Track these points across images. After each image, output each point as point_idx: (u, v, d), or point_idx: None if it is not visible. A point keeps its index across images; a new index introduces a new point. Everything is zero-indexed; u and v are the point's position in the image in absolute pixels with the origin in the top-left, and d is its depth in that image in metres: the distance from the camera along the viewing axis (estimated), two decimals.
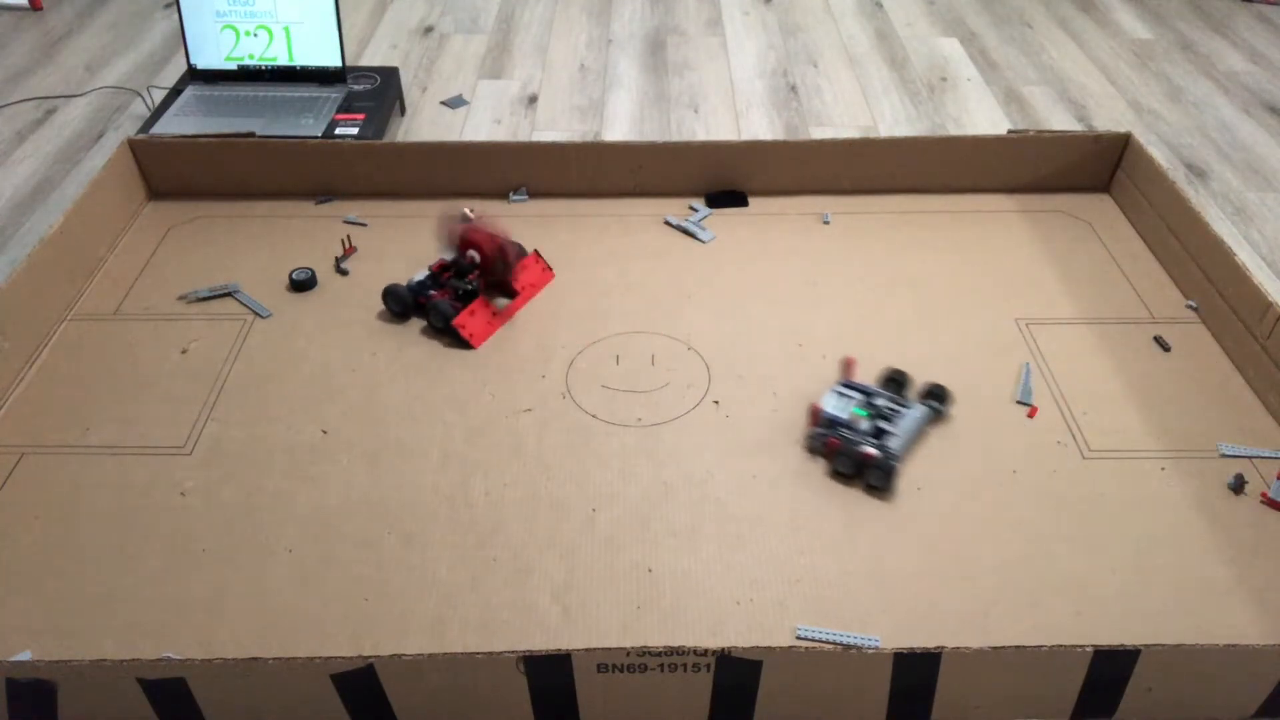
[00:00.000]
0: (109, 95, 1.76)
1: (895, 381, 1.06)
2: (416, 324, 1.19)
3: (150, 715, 0.77)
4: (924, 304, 1.22)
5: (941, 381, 1.10)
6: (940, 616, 0.86)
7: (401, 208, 1.38)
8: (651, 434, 1.04)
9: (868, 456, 0.97)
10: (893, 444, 0.98)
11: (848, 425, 1.00)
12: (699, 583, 0.89)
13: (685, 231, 1.34)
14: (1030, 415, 1.06)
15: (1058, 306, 1.22)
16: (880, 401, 1.03)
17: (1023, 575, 0.90)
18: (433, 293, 1.17)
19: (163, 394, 1.08)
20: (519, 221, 1.36)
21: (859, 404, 1.03)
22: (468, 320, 1.14)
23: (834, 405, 1.02)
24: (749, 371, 1.12)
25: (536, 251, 1.24)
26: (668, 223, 1.36)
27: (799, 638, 0.84)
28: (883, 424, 1.01)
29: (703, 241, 1.32)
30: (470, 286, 1.17)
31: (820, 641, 0.84)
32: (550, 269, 1.25)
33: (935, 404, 1.05)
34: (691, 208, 1.38)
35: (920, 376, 1.11)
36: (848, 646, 0.83)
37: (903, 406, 1.03)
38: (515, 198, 1.41)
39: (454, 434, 1.04)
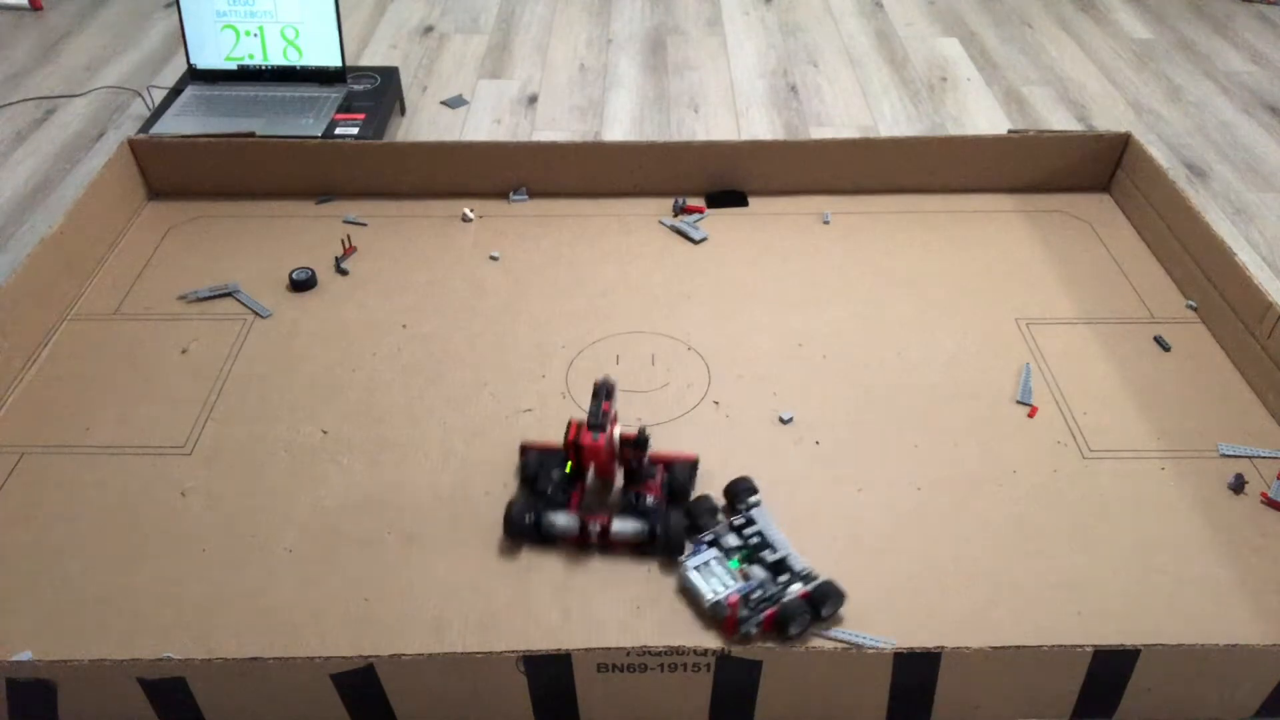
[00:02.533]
0: (109, 95, 1.76)
1: (698, 506, 0.93)
2: (416, 324, 1.18)
3: (150, 715, 0.77)
4: (924, 304, 1.22)
5: (941, 381, 1.10)
6: (940, 616, 0.86)
7: (401, 208, 1.38)
8: (652, 434, 1.04)
9: (806, 596, 0.84)
10: (798, 564, 0.87)
11: (750, 588, 0.86)
12: (699, 583, 0.89)
13: (678, 231, 1.34)
14: (1030, 415, 1.06)
15: (1058, 306, 1.22)
16: (733, 539, 0.91)
17: (1023, 575, 0.90)
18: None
19: (163, 394, 1.08)
20: (519, 221, 1.36)
21: (725, 558, 0.89)
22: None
23: (713, 584, 0.87)
24: (749, 371, 1.12)
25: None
26: (662, 224, 1.36)
27: (815, 635, 0.84)
28: (764, 554, 0.89)
29: (695, 240, 1.32)
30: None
31: (834, 640, 0.84)
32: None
33: (742, 500, 0.94)
34: (676, 202, 1.38)
35: (921, 376, 1.11)
36: (855, 646, 0.83)
37: (747, 520, 0.92)
38: (515, 198, 1.41)
39: (454, 434, 1.04)
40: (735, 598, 0.84)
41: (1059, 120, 1.72)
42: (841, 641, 0.84)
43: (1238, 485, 0.98)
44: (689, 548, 0.90)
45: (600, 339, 1.16)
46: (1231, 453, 1.02)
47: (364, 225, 1.35)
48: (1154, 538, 0.93)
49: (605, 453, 0.91)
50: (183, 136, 1.38)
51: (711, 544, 0.90)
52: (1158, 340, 1.17)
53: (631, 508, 0.92)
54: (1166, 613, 0.87)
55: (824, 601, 0.84)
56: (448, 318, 1.19)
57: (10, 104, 1.73)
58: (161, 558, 0.91)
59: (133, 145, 1.36)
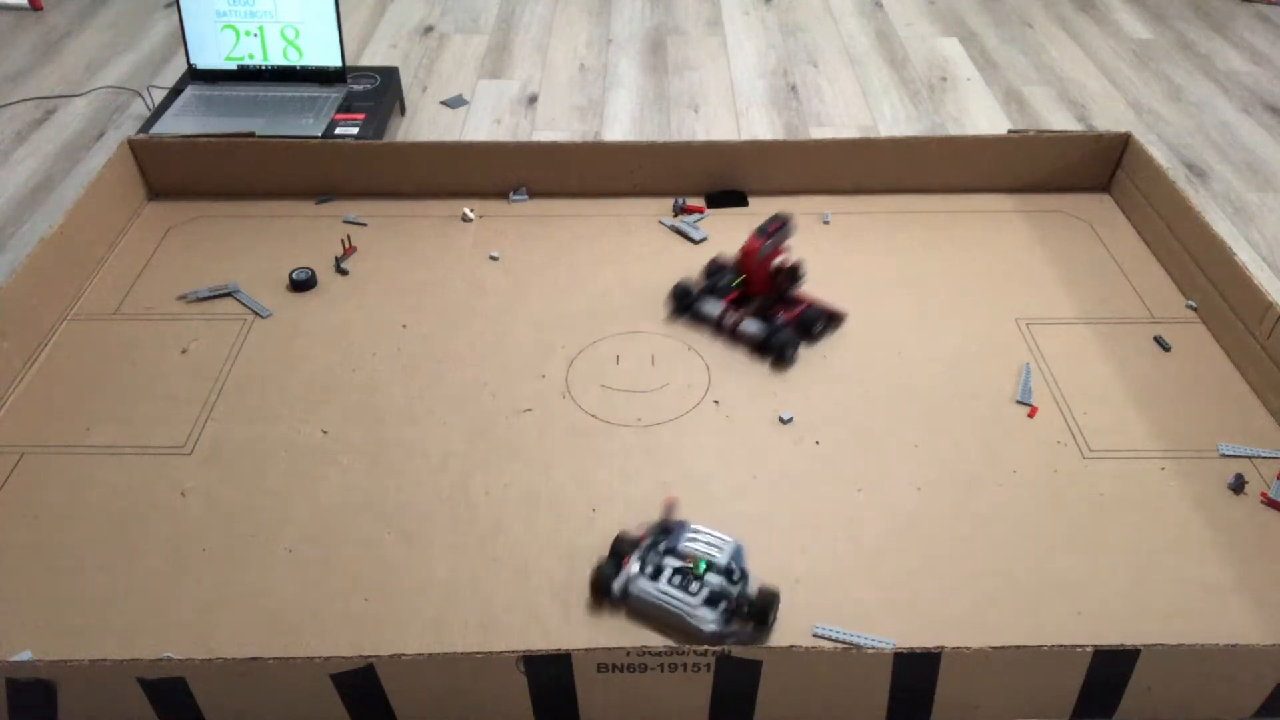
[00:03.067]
0: (109, 95, 1.76)
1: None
2: (416, 324, 1.19)
3: (150, 715, 0.77)
4: (924, 304, 1.22)
5: (941, 381, 1.10)
6: (940, 616, 0.86)
7: (401, 208, 1.38)
8: (651, 434, 1.04)
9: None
10: (724, 560, 0.87)
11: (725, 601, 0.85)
12: None
13: (678, 231, 1.34)
14: (1030, 415, 1.06)
15: (1058, 306, 1.22)
16: (671, 560, 0.88)
17: (1023, 575, 0.90)
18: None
19: (163, 394, 1.08)
20: (519, 221, 1.36)
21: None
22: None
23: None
24: (749, 371, 1.12)
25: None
26: (662, 224, 1.36)
27: (815, 634, 0.84)
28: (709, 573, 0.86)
29: (695, 240, 1.32)
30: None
31: (834, 640, 0.84)
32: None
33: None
34: (677, 202, 1.38)
35: (921, 376, 1.11)
36: (855, 646, 0.83)
37: (666, 547, 0.89)
38: (515, 197, 1.41)
39: (454, 434, 1.04)
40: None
41: (1059, 120, 1.72)
42: (841, 641, 0.84)
43: (1238, 485, 0.98)
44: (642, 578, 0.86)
45: (600, 339, 1.16)
46: (1231, 453, 1.02)
47: (364, 225, 1.35)
48: (1154, 538, 0.93)
49: (755, 257, 1.13)
50: (183, 136, 1.38)
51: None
52: (1158, 340, 1.17)
53: (763, 316, 1.14)
54: (1166, 613, 0.87)
55: (760, 613, 0.83)
56: (448, 318, 1.19)
57: (10, 104, 1.73)
58: (161, 558, 0.91)
59: (133, 145, 1.36)
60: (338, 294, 1.23)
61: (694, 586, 0.85)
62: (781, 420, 1.05)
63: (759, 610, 0.84)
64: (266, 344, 1.15)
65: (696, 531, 0.90)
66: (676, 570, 0.86)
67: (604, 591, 0.86)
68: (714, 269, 1.21)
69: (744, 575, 0.86)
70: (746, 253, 1.14)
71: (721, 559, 0.87)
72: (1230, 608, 0.87)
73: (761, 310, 1.15)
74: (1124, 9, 2.17)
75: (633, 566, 0.87)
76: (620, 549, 0.88)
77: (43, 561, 0.90)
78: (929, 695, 0.78)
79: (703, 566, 0.86)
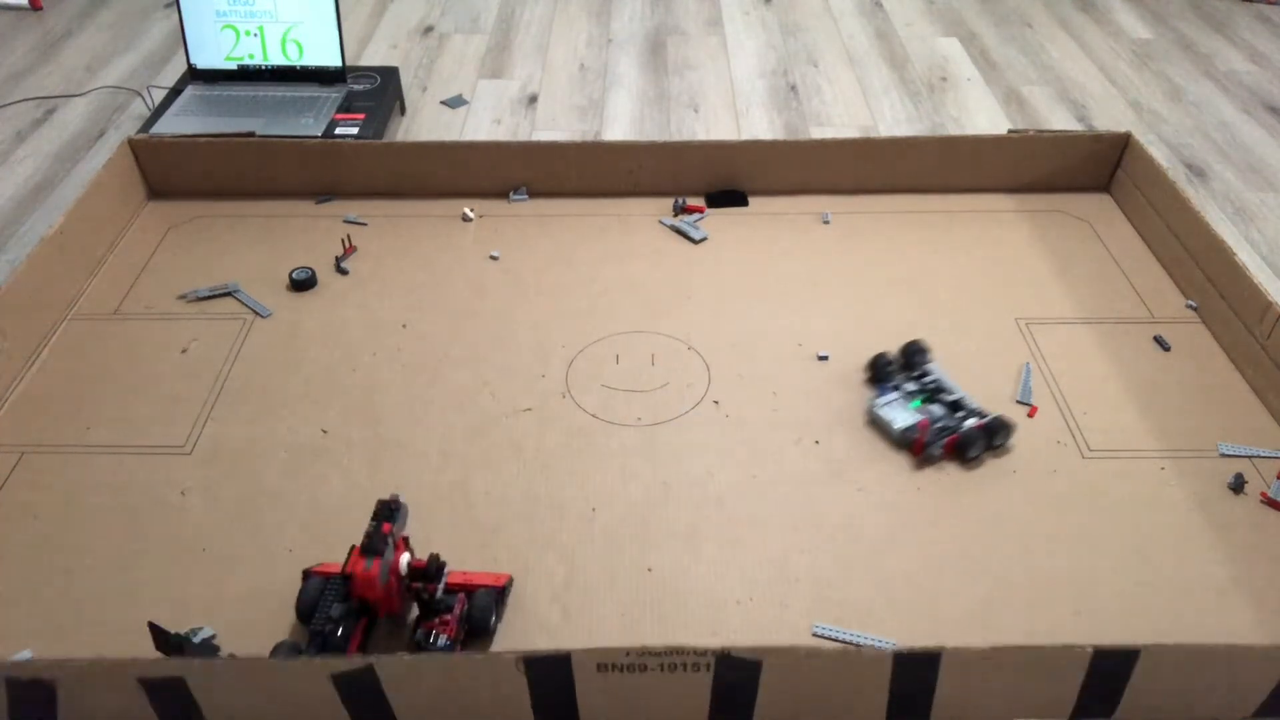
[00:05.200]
0: (109, 95, 1.76)
1: (885, 364, 1.09)
2: (416, 324, 1.19)
3: (150, 715, 0.77)
4: (924, 304, 1.22)
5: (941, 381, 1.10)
6: (940, 616, 0.86)
7: (401, 208, 1.38)
8: (651, 434, 1.04)
9: (981, 428, 1.00)
10: (972, 404, 1.03)
11: (935, 417, 1.02)
12: (699, 583, 0.89)
13: (678, 231, 1.34)
14: (1030, 415, 1.06)
15: (1058, 306, 1.22)
16: (911, 385, 1.07)
17: (1023, 575, 0.90)
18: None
19: (163, 394, 1.08)
20: (519, 221, 1.36)
21: (909, 399, 1.05)
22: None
23: (903, 416, 1.03)
24: (749, 371, 1.12)
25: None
26: (662, 224, 1.36)
27: (815, 634, 0.84)
28: (942, 396, 1.04)
29: (695, 240, 1.32)
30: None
31: (834, 640, 0.84)
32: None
33: (919, 358, 1.09)
34: (677, 202, 1.38)
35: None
36: (855, 646, 0.83)
37: (925, 372, 1.07)
38: (515, 197, 1.41)
39: (454, 434, 1.04)
40: (926, 422, 1.00)
41: (1059, 120, 1.72)
42: (841, 641, 0.84)
43: (1238, 485, 0.98)
44: (876, 390, 1.06)
45: (600, 339, 1.16)
46: (1231, 453, 1.02)
47: (364, 225, 1.35)
48: (1154, 538, 0.93)
49: (381, 587, 0.78)
50: (183, 136, 1.38)
51: (894, 389, 1.06)
52: (1158, 340, 1.17)
53: (420, 650, 0.79)
54: (1166, 613, 0.87)
55: (998, 432, 0.99)
56: (448, 318, 1.19)
57: (10, 104, 1.73)
58: (161, 558, 0.91)
59: (133, 145, 1.36)
60: (338, 294, 1.23)
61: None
62: (819, 358, 1.13)
63: (961, 445, 0.99)
64: (266, 344, 1.15)
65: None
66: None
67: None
68: (308, 601, 0.82)
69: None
70: (366, 584, 0.78)
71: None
72: (1230, 608, 0.87)
73: (414, 644, 0.80)
74: (1124, 9, 2.17)
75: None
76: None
77: (43, 561, 0.90)
78: (929, 695, 0.78)
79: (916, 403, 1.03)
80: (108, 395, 1.08)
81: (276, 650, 0.79)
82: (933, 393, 1.05)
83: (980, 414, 1.02)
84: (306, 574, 0.85)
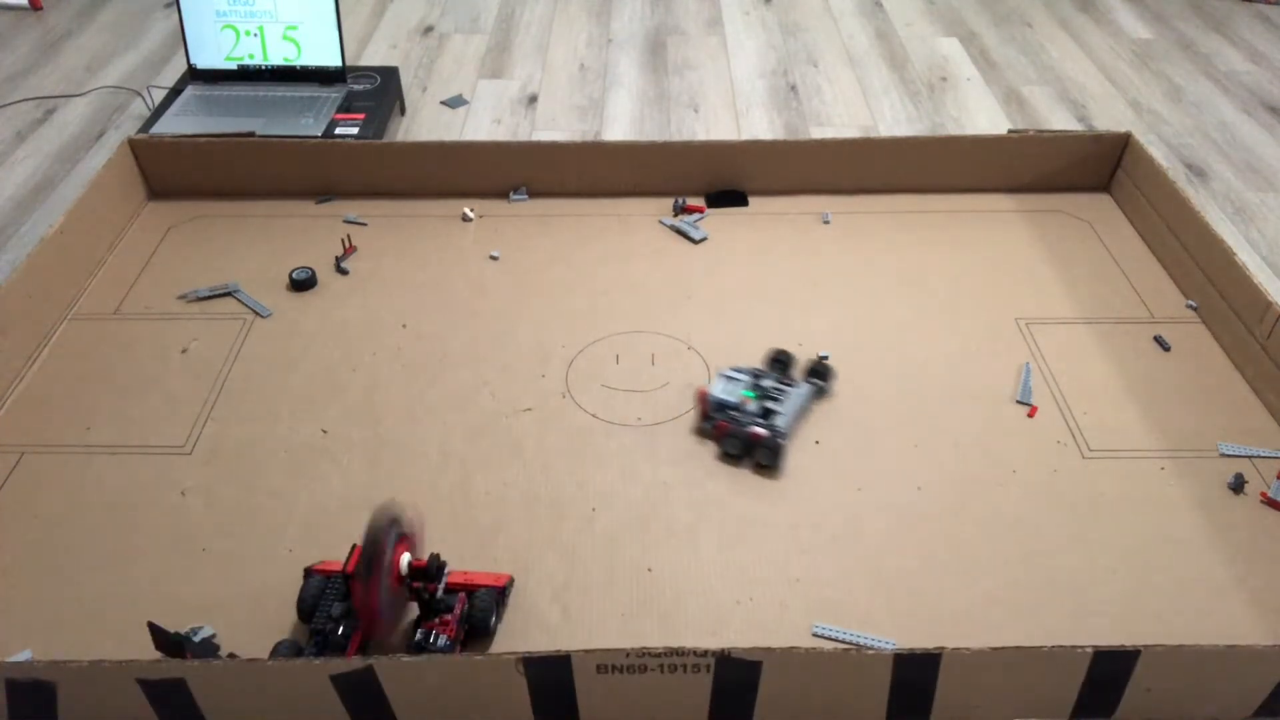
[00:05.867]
0: (109, 95, 1.76)
1: (780, 362, 1.09)
2: (416, 324, 1.19)
3: (150, 715, 0.77)
4: (924, 304, 1.22)
5: (941, 381, 1.10)
6: (940, 616, 0.86)
7: (401, 208, 1.38)
8: (651, 434, 1.04)
9: (756, 436, 0.99)
10: (780, 422, 1.01)
11: (736, 408, 1.02)
12: (699, 583, 0.89)
13: (678, 231, 1.34)
14: (1030, 415, 1.06)
15: (1058, 306, 1.22)
16: (767, 383, 1.06)
17: (1023, 575, 0.90)
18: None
19: (163, 394, 1.08)
20: (519, 221, 1.36)
21: (747, 386, 1.05)
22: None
23: (722, 390, 1.04)
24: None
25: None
26: (662, 224, 1.36)
27: (815, 634, 0.84)
28: (770, 404, 1.03)
29: (695, 240, 1.32)
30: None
31: (834, 640, 0.84)
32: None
33: (818, 381, 1.08)
34: (677, 202, 1.38)
35: (921, 376, 1.11)
36: (855, 646, 0.83)
37: (788, 386, 1.06)
38: (515, 197, 1.41)
39: (454, 434, 1.04)
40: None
41: (1059, 120, 1.72)
42: (841, 641, 0.84)
43: (1238, 485, 0.98)
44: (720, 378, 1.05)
45: (600, 339, 1.16)
46: (1231, 453, 1.02)
47: (364, 225, 1.35)
48: (1154, 538, 0.93)
49: (375, 606, 0.75)
50: (183, 136, 1.38)
51: (754, 373, 1.07)
52: (1158, 340, 1.16)
53: (420, 651, 0.78)
54: (1166, 613, 0.87)
55: (762, 451, 0.99)
56: (448, 318, 1.19)
57: (10, 104, 1.73)
58: (161, 558, 0.91)
59: (133, 145, 1.36)
60: (338, 294, 1.23)
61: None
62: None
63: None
64: (266, 344, 1.15)
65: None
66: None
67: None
68: (309, 600, 0.83)
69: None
70: (363, 606, 0.77)
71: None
72: (1230, 608, 0.87)
73: (415, 645, 0.80)
74: (1124, 9, 2.17)
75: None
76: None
77: (43, 561, 0.90)
78: (929, 695, 0.78)
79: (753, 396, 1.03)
80: (108, 395, 1.08)
81: (277, 649, 0.80)
82: (769, 397, 1.04)
83: (772, 428, 1.00)
84: (308, 572, 0.85)
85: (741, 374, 1.06)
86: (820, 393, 1.08)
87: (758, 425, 1.00)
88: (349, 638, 0.80)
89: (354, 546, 0.79)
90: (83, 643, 0.83)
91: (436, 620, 0.81)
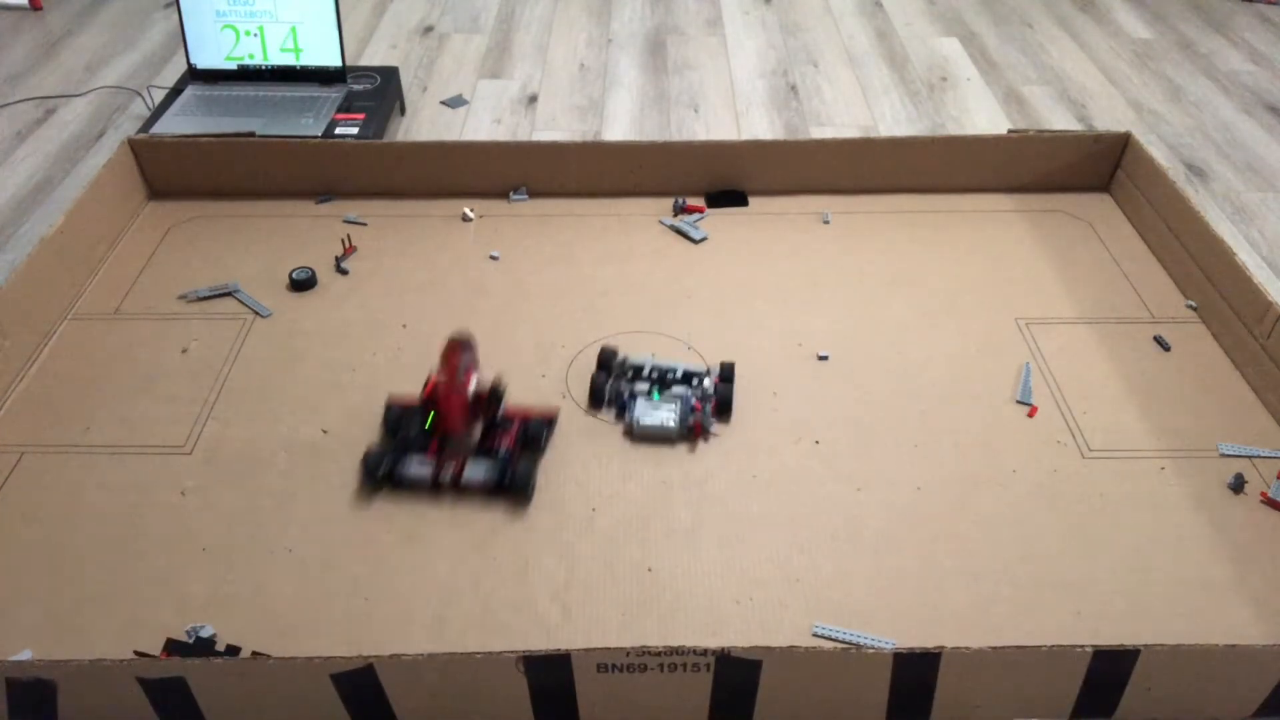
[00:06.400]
0: (109, 95, 1.76)
1: (601, 383, 1.07)
2: (416, 325, 1.18)
3: (150, 715, 0.77)
4: (924, 304, 1.22)
5: (941, 381, 1.10)
6: (940, 616, 0.86)
7: (401, 207, 1.38)
8: (508, 386, 1.04)
9: (718, 382, 1.06)
10: (693, 368, 1.08)
11: (689, 398, 1.05)
12: (699, 583, 0.89)
13: (678, 231, 1.34)
14: (1030, 415, 1.06)
15: (1058, 306, 1.22)
16: (640, 385, 1.07)
17: (1023, 575, 0.90)
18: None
19: (163, 394, 1.08)
20: (519, 221, 1.36)
21: (647, 398, 1.05)
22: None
23: (661, 416, 1.03)
24: (749, 371, 1.12)
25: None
26: (662, 224, 1.36)
27: (815, 634, 0.84)
28: (668, 377, 1.07)
29: (695, 240, 1.32)
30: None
31: (834, 640, 0.84)
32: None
33: (614, 356, 1.09)
34: (677, 202, 1.38)
35: (921, 376, 1.11)
36: (855, 646, 0.83)
37: (634, 369, 1.08)
38: (515, 197, 1.41)
39: None
40: (697, 403, 1.03)
41: (1059, 120, 1.72)
42: (841, 641, 0.84)
43: (1238, 485, 0.98)
44: (632, 410, 1.03)
45: (600, 339, 1.16)
46: (1231, 453, 1.02)
47: (364, 225, 1.35)
48: (1154, 538, 0.93)
49: (457, 405, 0.95)
50: (183, 136, 1.38)
51: (632, 397, 1.04)
52: (1158, 340, 1.17)
53: (485, 455, 0.97)
54: (1166, 613, 0.87)
55: (731, 376, 1.06)
56: (448, 318, 1.19)
57: (10, 104, 1.73)
58: (161, 558, 0.91)
59: (133, 145, 1.36)
60: (338, 294, 1.23)
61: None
62: (819, 358, 1.13)
63: (722, 406, 1.04)
64: (266, 344, 1.15)
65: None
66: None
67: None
68: (394, 418, 1.01)
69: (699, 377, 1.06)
70: (443, 396, 0.95)
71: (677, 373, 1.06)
72: (1230, 608, 0.87)
73: (480, 450, 0.98)
74: (1124, 9, 2.17)
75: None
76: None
77: (43, 561, 0.90)
78: (929, 695, 0.78)
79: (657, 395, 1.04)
80: (108, 395, 1.08)
81: (367, 457, 0.96)
82: (661, 379, 1.06)
83: (702, 372, 1.06)
84: (390, 404, 1.02)
85: (633, 404, 1.04)
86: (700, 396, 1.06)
87: (704, 379, 1.06)
88: (430, 438, 0.97)
89: (429, 376, 1.00)
90: (83, 643, 0.83)
91: (499, 432, 0.99)
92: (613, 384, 1.06)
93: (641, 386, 1.06)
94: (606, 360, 1.08)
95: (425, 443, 0.97)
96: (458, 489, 0.96)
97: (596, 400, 1.05)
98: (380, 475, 0.95)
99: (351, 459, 1.01)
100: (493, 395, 1.00)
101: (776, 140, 1.54)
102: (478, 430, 0.99)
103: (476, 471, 0.95)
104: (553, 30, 2.04)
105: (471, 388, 0.97)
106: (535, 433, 1.00)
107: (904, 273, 1.27)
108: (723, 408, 1.04)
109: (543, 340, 1.16)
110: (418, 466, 0.96)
